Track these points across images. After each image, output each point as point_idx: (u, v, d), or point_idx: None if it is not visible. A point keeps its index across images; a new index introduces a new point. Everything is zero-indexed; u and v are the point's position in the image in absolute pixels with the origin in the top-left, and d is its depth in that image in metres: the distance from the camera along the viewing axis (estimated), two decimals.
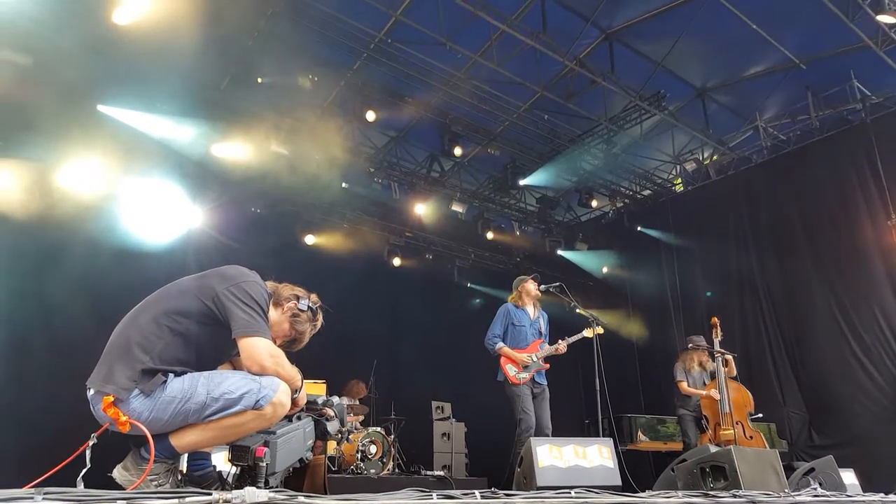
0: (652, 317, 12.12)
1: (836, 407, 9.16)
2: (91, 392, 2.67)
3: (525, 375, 6.38)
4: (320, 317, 3.16)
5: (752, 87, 10.35)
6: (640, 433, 9.43)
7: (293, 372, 2.86)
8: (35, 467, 2.62)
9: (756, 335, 10.30)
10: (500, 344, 6.52)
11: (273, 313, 2.99)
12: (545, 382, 6.54)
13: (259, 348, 2.72)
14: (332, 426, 3.17)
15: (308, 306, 3.08)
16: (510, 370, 6.41)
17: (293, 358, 2.94)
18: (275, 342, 2.95)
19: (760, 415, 7.77)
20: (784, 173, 10.36)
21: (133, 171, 8.07)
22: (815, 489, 4.57)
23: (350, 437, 7.55)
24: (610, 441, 4.89)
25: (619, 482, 4.66)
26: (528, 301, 6.81)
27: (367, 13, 8.15)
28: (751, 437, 7.02)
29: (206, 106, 8.52)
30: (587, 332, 6.47)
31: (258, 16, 7.77)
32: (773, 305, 10.26)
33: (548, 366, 6.56)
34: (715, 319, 7.45)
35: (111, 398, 2.57)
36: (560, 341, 6.53)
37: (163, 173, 8.37)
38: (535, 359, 6.46)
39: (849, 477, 5.56)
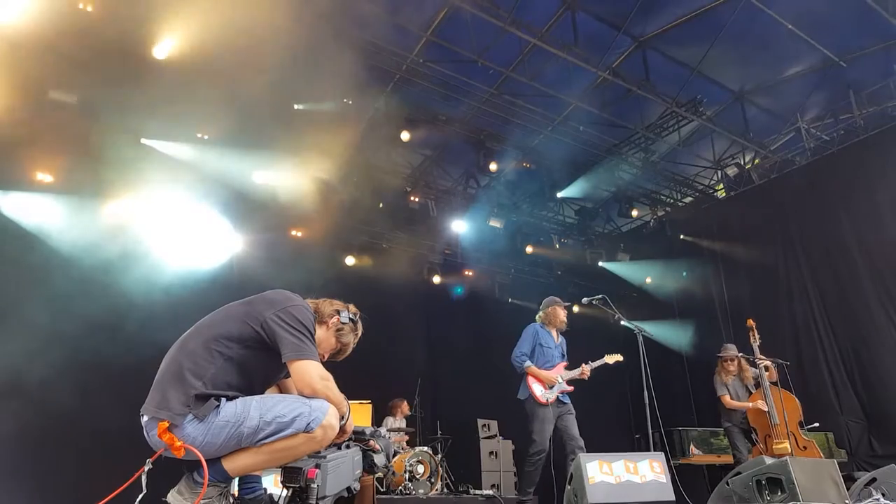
0: (700, 326, 11.87)
1: None
2: (145, 419, 2.71)
3: (551, 396, 6.36)
4: (360, 326, 3.24)
5: (791, 88, 10.18)
6: (692, 446, 9.17)
7: (341, 397, 2.89)
8: (93, 493, 2.67)
9: (808, 342, 9.99)
10: (529, 363, 6.49)
11: (319, 331, 3.06)
12: (569, 402, 6.51)
13: (310, 371, 2.76)
14: (379, 459, 3.22)
15: (349, 318, 3.16)
16: (537, 389, 6.38)
17: (338, 382, 2.97)
18: (323, 357, 3.03)
19: (817, 424, 7.48)
20: (829, 174, 10.07)
21: (176, 201, 8.28)
22: (877, 499, 4.40)
23: (394, 472, 7.47)
24: (662, 455, 4.78)
25: (672, 497, 4.56)
26: (555, 325, 6.77)
27: (399, 35, 8.26)
28: (804, 448, 6.64)
29: (245, 135, 8.69)
30: (608, 359, 6.54)
31: (292, 44, 7.92)
32: (825, 311, 9.94)
33: (572, 388, 6.53)
34: (751, 322, 7.08)
35: (166, 424, 2.61)
36: (584, 365, 6.49)
37: (205, 202, 8.56)
38: (560, 380, 6.46)
39: None
